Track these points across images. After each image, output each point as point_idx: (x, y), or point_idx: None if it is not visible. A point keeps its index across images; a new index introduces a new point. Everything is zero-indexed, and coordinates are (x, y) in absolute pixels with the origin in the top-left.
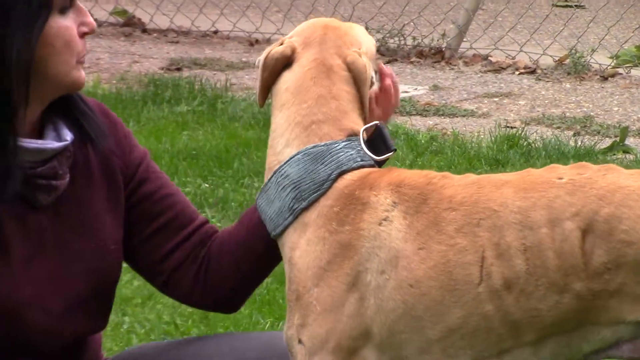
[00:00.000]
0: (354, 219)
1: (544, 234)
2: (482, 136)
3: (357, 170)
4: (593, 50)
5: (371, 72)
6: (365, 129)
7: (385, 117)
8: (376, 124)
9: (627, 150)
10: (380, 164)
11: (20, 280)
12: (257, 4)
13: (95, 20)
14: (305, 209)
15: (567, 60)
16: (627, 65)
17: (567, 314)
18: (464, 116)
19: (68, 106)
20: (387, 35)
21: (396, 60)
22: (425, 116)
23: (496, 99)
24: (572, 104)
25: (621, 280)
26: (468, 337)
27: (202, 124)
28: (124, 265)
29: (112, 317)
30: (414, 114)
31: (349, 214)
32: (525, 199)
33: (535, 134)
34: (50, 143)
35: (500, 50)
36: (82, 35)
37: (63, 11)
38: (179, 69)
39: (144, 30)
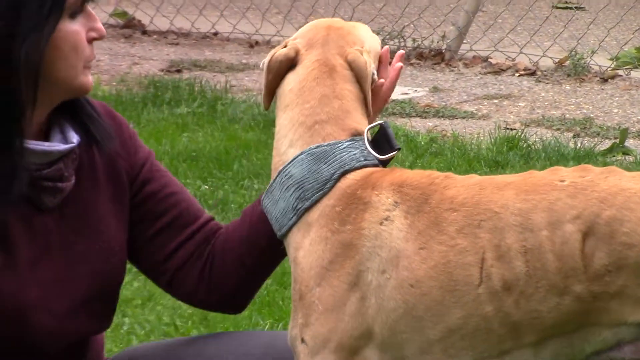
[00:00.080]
0: (356, 219)
1: (544, 237)
2: (481, 138)
3: (360, 169)
4: (593, 52)
5: (372, 70)
6: (370, 128)
7: (377, 110)
8: (380, 124)
9: (626, 152)
10: (384, 163)
11: (26, 283)
12: (257, 6)
13: None
14: (309, 208)
15: (567, 62)
16: (627, 67)
17: (567, 316)
18: (463, 118)
19: (75, 109)
20: (387, 37)
21: None
22: (425, 118)
23: (496, 101)
24: (572, 106)
25: (622, 283)
26: (468, 338)
27: (202, 125)
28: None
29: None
30: (413, 116)
31: (351, 213)
32: (526, 201)
33: (535, 135)
34: (56, 145)
35: (500, 52)
36: (91, 40)
37: (73, 15)
38: (179, 71)
39: (144, 32)
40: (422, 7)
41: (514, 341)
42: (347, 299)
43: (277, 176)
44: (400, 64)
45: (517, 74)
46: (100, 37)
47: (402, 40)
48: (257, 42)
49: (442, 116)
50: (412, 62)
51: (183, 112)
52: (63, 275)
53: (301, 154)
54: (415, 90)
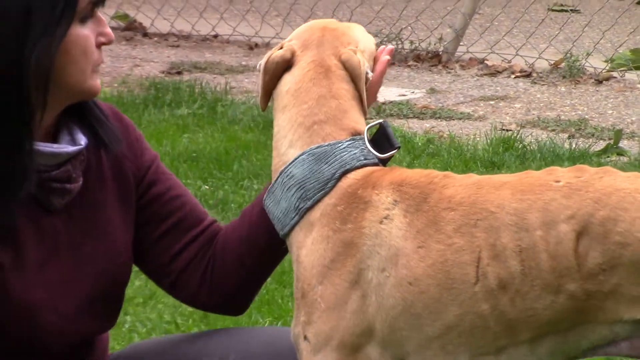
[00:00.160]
0: (357, 218)
1: (538, 236)
2: (478, 139)
3: (360, 169)
4: (588, 54)
5: (366, 69)
6: (370, 127)
7: (368, 106)
8: (380, 123)
9: (621, 153)
10: (384, 162)
11: (34, 284)
12: (257, 9)
13: None
14: (310, 208)
15: (563, 64)
16: (622, 69)
17: (562, 314)
18: (460, 119)
19: (83, 112)
20: (385, 39)
21: (394, 63)
22: (422, 119)
23: (492, 102)
24: (567, 107)
25: (616, 282)
26: (465, 335)
27: (203, 126)
28: None
29: None
30: (411, 117)
31: (352, 212)
32: (521, 201)
33: (530, 136)
34: (65, 147)
35: (497, 54)
36: (99, 45)
37: (83, 20)
38: (179, 73)
39: (145, 35)
40: (419, 10)
41: (510, 338)
42: (348, 297)
43: (278, 176)
44: (388, 57)
45: (513, 76)
46: (108, 42)
47: (399, 42)
48: (256, 44)
49: (439, 117)
50: (409, 64)
51: (183, 114)
52: (70, 276)
53: (302, 154)
54: (413, 92)
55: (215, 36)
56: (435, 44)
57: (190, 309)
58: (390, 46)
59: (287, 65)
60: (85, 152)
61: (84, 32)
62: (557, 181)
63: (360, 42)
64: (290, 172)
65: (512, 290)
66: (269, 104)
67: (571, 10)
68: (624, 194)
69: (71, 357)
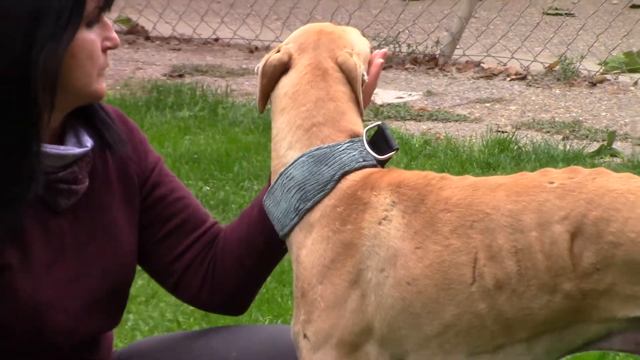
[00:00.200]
0: (356, 219)
1: (533, 237)
2: (474, 140)
3: (359, 170)
4: (582, 57)
5: (362, 71)
6: (368, 129)
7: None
8: (379, 125)
9: (614, 154)
10: (382, 163)
11: (41, 284)
12: (257, 12)
13: None
14: (310, 209)
15: (557, 67)
16: (615, 71)
17: (558, 313)
18: (456, 121)
19: (89, 114)
20: (383, 42)
21: (391, 66)
22: (419, 121)
23: (488, 105)
24: (562, 109)
25: (610, 281)
26: (463, 334)
27: (204, 128)
28: None
29: None
30: (408, 119)
31: (351, 213)
32: (516, 202)
33: (525, 138)
34: (71, 149)
35: (492, 57)
36: (105, 49)
37: (90, 25)
38: (181, 76)
39: (147, 38)
40: (416, 14)
41: (507, 337)
42: (348, 296)
43: (278, 178)
44: (382, 60)
45: (508, 79)
46: (114, 46)
47: (397, 45)
48: (256, 48)
49: (435, 119)
50: (406, 67)
51: (185, 116)
52: (77, 276)
53: (302, 156)
54: (410, 94)
55: (216, 40)
56: (432, 47)
57: (191, 307)
58: (384, 50)
59: (284, 68)
60: (91, 154)
61: (90, 37)
62: (551, 182)
63: (356, 45)
64: (290, 174)
65: (508, 290)
66: (267, 106)
67: (566, 14)
68: (616, 194)
69: (77, 355)
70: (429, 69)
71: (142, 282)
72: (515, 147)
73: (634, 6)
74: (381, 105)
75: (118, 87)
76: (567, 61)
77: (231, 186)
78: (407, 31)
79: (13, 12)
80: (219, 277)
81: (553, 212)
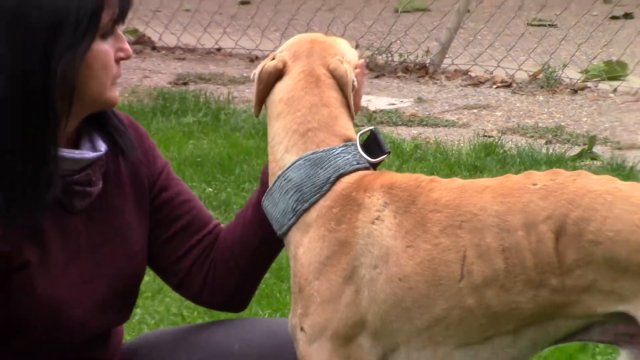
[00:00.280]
0: (350, 219)
1: (520, 236)
2: (462, 144)
3: (353, 173)
4: (564, 66)
5: (352, 77)
6: (361, 134)
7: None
8: (371, 129)
9: (594, 157)
10: (374, 165)
11: (58, 281)
12: (257, 24)
13: None
14: (307, 210)
15: (541, 75)
16: (596, 79)
17: (543, 307)
18: (445, 126)
19: (102, 120)
20: (376, 52)
21: (384, 75)
22: (410, 126)
23: (475, 111)
24: (545, 115)
25: (592, 277)
26: (452, 327)
27: (207, 133)
28: None
29: None
30: (399, 125)
31: (346, 214)
32: (502, 203)
33: (510, 142)
34: (86, 153)
35: (479, 65)
36: (118, 60)
37: (104, 37)
38: (185, 84)
39: (154, 48)
40: (407, 25)
41: (495, 329)
42: (342, 292)
43: (276, 180)
44: (359, 69)
45: (494, 86)
46: (127, 57)
47: (389, 55)
48: (257, 57)
49: (425, 125)
50: (398, 75)
51: (189, 121)
52: (91, 275)
53: (298, 159)
54: (402, 101)
55: (219, 49)
56: (422, 57)
57: None
58: (361, 60)
59: (279, 74)
60: (105, 158)
61: (104, 48)
62: (535, 184)
63: (346, 54)
64: (287, 176)
65: (496, 286)
66: (262, 110)
67: (549, 25)
68: (595, 195)
69: (91, 348)
70: (419, 77)
71: (148, 278)
72: (501, 151)
73: (613, 17)
74: (374, 112)
75: (126, 94)
76: (550, 70)
77: (232, 188)
78: (398, 41)
79: (33, 24)
80: (219, 277)
81: (537, 213)
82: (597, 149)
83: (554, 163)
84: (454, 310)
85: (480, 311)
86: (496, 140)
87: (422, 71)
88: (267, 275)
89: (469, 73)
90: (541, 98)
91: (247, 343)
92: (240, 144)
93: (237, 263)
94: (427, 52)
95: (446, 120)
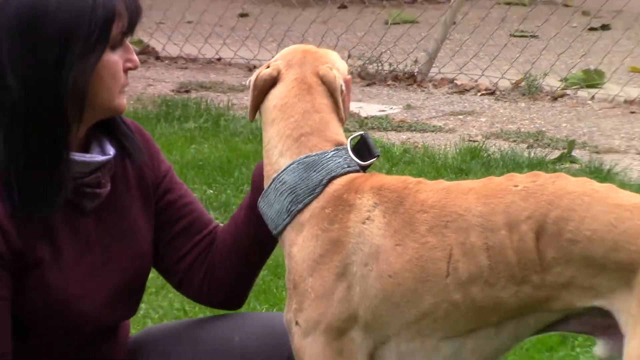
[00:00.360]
0: (342, 219)
1: (503, 235)
2: (448, 149)
3: (344, 175)
4: (545, 75)
5: (340, 82)
6: (352, 138)
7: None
8: (361, 134)
9: (573, 161)
10: (364, 168)
11: (70, 277)
12: (255, 35)
13: None
14: (301, 210)
15: (522, 83)
16: (575, 87)
17: (525, 302)
18: (432, 131)
19: (111, 126)
20: (367, 61)
21: (374, 83)
22: (400, 131)
23: (461, 117)
24: (526, 121)
25: (571, 274)
26: (440, 320)
27: (207, 138)
28: None
29: None
30: (389, 130)
31: (338, 214)
32: (486, 204)
33: (494, 146)
34: (96, 157)
35: (465, 74)
36: (126, 70)
37: (114, 48)
38: (187, 91)
39: (157, 58)
40: (397, 36)
41: (479, 322)
42: (335, 288)
43: (271, 182)
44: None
45: (479, 94)
46: (134, 67)
47: (379, 64)
48: (255, 66)
49: (414, 130)
50: (388, 83)
51: (191, 127)
52: (101, 272)
53: (292, 163)
54: (391, 108)
55: (219, 59)
56: (411, 66)
57: None
58: (349, 76)
59: (273, 82)
60: (113, 162)
61: (114, 58)
62: (516, 186)
63: (336, 63)
64: (282, 179)
65: (481, 282)
66: (257, 116)
67: (530, 36)
68: (573, 196)
69: (100, 340)
70: (408, 85)
71: (152, 275)
72: (485, 155)
73: (591, 29)
74: (366, 118)
75: (131, 102)
76: (531, 78)
77: (232, 190)
78: (388, 51)
79: (47, 35)
80: (216, 275)
81: (519, 213)
82: (576, 152)
83: (535, 166)
84: (441, 305)
85: (466, 305)
86: (481, 145)
87: (410, 79)
88: (264, 271)
89: (455, 81)
90: (523, 105)
91: (247, 336)
92: (239, 148)
93: (232, 262)
94: (416, 61)
95: (433, 126)
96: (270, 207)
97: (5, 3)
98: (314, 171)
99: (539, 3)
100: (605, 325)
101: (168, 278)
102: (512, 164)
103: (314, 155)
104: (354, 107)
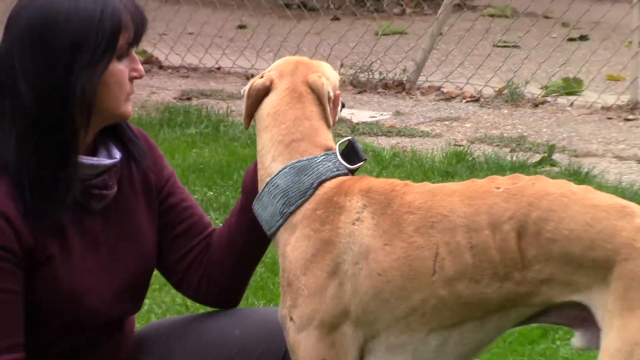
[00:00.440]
0: (333, 220)
1: (486, 235)
2: (435, 153)
3: (334, 179)
4: (526, 83)
5: (328, 89)
6: (341, 143)
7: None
8: (349, 139)
9: (553, 164)
10: (353, 172)
11: (79, 273)
12: (253, 46)
13: None
14: (293, 212)
15: (505, 91)
16: (554, 94)
17: (507, 297)
18: (420, 136)
19: (117, 131)
20: (359, 70)
21: (365, 90)
22: (389, 136)
23: (447, 123)
24: (509, 126)
25: (550, 271)
26: (427, 315)
27: (208, 143)
28: None
29: None
30: (380, 135)
31: (329, 215)
32: (469, 205)
33: (478, 150)
34: (103, 160)
35: (451, 82)
36: (132, 79)
37: (120, 58)
38: (189, 99)
39: (161, 67)
40: (387, 46)
41: (465, 316)
42: (327, 285)
43: (265, 186)
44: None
45: (464, 101)
46: (139, 77)
47: (370, 73)
48: (252, 75)
49: (403, 135)
50: (378, 91)
51: (192, 133)
52: (107, 269)
53: (284, 167)
54: (381, 114)
55: (219, 68)
56: (400, 75)
57: None
58: (338, 91)
59: (266, 91)
60: (119, 165)
61: (120, 68)
62: (498, 188)
63: (326, 73)
64: (275, 183)
65: (466, 279)
66: (251, 124)
67: (512, 46)
68: (552, 197)
69: (106, 334)
70: (397, 92)
71: (155, 272)
72: (470, 159)
73: (570, 39)
74: (357, 123)
75: (136, 108)
76: (513, 86)
77: (231, 191)
78: (379, 61)
79: (57, 46)
80: (213, 275)
81: (501, 213)
82: (556, 156)
83: (518, 169)
84: (429, 301)
85: (452, 301)
86: (466, 149)
87: (399, 87)
88: (262, 269)
89: (442, 89)
90: (506, 111)
91: (246, 329)
92: (238, 153)
93: (227, 262)
94: (404, 70)
95: (421, 131)
96: (264, 210)
97: (16, 14)
98: (305, 175)
99: (520, 15)
100: (582, 317)
101: (168, 277)
102: (496, 167)
103: (305, 160)
104: (346, 113)
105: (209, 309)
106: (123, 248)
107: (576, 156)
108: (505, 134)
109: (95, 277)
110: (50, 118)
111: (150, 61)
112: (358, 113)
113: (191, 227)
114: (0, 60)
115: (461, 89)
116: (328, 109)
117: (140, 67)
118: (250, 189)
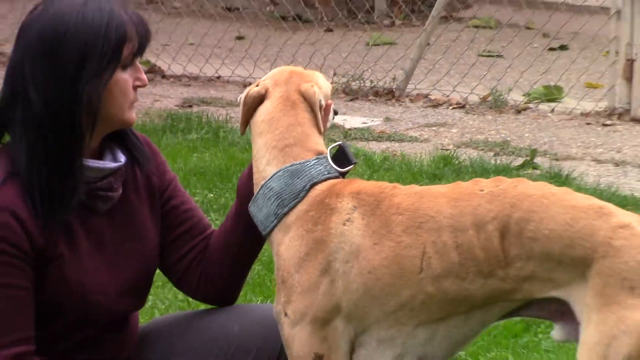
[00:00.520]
0: (325, 221)
1: (471, 235)
2: (423, 157)
3: (325, 181)
4: (509, 90)
5: (320, 97)
6: (332, 148)
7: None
8: (340, 144)
9: (535, 167)
10: (343, 175)
11: (86, 271)
12: (251, 55)
13: None
14: (287, 213)
15: (490, 98)
16: (536, 101)
17: (491, 293)
18: (409, 141)
19: (122, 137)
20: (351, 79)
21: (357, 98)
22: (380, 141)
23: (434, 128)
24: (493, 132)
25: (532, 269)
26: (415, 310)
27: (208, 148)
28: None
29: None
30: (371, 140)
31: (321, 216)
32: (455, 207)
33: (464, 154)
34: (108, 163)
35: (438, 90)
36: (136, 87)
37: (125, 67)
38: (190, 106)
39: (163, 76)
40: (377, 56)
41: (451, 311)
42: (320, 283)
43: (260, 189)
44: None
45: (450, 107)
46: (143, 85)
47: (362, 81)
48: (250, 84)
49: (393, 140)
50: (369, 98)
51: (193, 138)
52: (113, 267)
53: (278, 171)
54: (372, 120)
55: (218, 77)
56: (389, 83)
57: None
58: (330, 101)
59: (261, 99)
60: (124, 168)
61: (124, 77)
62: (482, 190)
63: (319, 82)
64: (269, 186)
65: (452, 276)
66: (247, 130)
67: (496, 55)
68: (533, 199)
69: (112, 329)
70: (387, 100)
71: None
72: (456, 162)
73: (551, 49)
74: (349, 129)
75: (140, 115)
76: (497, 93)
77: (230, 194)
78: (370, 70)
79: (66, 57)
80: (210, 274)
81: (485, 214)
82: (538, 160)
83: (501, 172)
84: (417, 297)
85: (439, 297)
86: (452, 153)
87: (389, 95)
88: (259, 266)
89: (429, 96)
90: (490, 117)
91: (245, 325)
92: (237, 157)
93: (224, 262)
94: (394, 79)
95: (410, 136)
96: (260, 211)
97: (27, 26)
98: (298, 178)
99: (504, 26)
100: (562, 312)
101: (169, 276)
102: (481, 170)
103: (298, 164)
104: (339, 119)
105: (208, 305)
106: (127, 248)
107: (557, 160)
108: (489, 139)
109: (100, 275)
110: (57, 123)
111: (153, 70)
112: (350, 119)
113: (191, 228)
114: (11, 70)
115: (448, 96)
116: (319, 116)
117: (144, 76)
118: (244, 193)
